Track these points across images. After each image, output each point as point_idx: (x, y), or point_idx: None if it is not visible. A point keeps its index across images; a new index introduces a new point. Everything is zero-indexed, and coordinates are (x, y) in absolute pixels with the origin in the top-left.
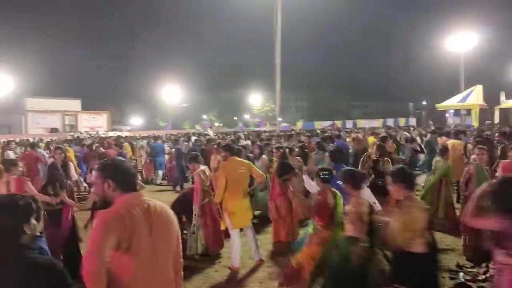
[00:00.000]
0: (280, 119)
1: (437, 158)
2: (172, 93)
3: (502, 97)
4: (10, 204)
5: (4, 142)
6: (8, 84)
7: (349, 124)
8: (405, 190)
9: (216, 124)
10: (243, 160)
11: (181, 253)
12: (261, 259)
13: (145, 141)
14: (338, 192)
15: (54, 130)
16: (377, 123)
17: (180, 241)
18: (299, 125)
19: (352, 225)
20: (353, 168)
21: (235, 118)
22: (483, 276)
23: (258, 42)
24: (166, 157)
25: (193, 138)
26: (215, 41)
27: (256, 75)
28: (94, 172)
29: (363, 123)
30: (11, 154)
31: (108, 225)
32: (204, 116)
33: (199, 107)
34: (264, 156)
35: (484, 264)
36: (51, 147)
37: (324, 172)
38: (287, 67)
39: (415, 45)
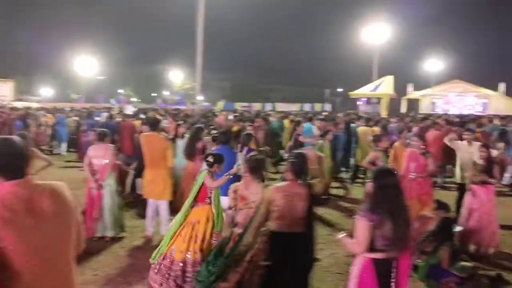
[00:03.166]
0: (201, 98)
1: None
2: (86, 64)
3: (410, 88)
4: None
5: None
6: None
7: (268, 107)
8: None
9: (134, 99)
10: (162, 136)
11: (83, 238)
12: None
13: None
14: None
15: None
16: (295, 107)
17: (81, 225)
18: (220, 105)
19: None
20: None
21: (153, 94)
22: None
23: (179, 18)
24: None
25: (105, 113)
26: (134, 13)
27: (177, 51)
28: None
29: (282, 106)
30: None
31: None
32: (121, 91)
33: (115, 80)
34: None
35: None
36: None
37: (209, 158)
38: (209, 45)
39: (334, 33)
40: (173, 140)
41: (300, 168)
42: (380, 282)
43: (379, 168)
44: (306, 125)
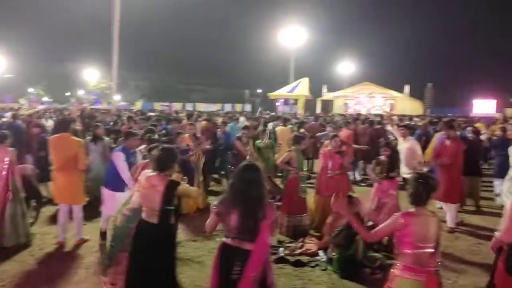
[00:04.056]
0: (118, 97)
1: None
2: None
3: (324, 90)
4: None
5: None
6: None
7: (189, 107)
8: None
9: (45, 99)
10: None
11: None
12: (81, 238)
13: None
14: None
15: None
16: (216, 107)
17: None
18: (139, 105)
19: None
20: None
21: (67, 93)
22: (299, 250)
23: (94, 14)
24: None
25: (8, 114)
26: (46, 8)
27: (92, 48)
28: None
29: (203, 107)
30: None
31: None
32: (31, 90)
33: (25, 79)
34: (107, 139)
35: (300, 239)
36: None
37: None
38: (126, 43)
39: (253, 36)
40: (94, 141)
41: (163, 162)
42: (222, 265)
43: (242, 164)
44: (230, 125)
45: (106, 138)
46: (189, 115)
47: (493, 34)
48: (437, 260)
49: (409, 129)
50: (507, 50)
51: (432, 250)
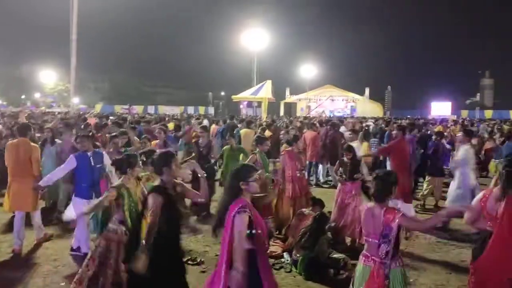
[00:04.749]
0: (76, 100)
1: None
2: None
3: (287, 92)
4: None
5: None
6: None
7: (151, 109)
8: None
9: None
10: (31, 143)
11: None
12: (45, 234)
13: None
14: None
15: None
16: (178, 110)
17: None
18: (98, 107)
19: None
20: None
21: (23, 96)
22: None
23: (52, 15)
24: None
25: None
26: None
27: (49, 49)
28: None
29: (165, 109)
30: None
31: None
32: None
33: None
34: (59, 141)
35: None
36: None
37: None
38: (84, 44)
39: (216, 38)
40: (43, 144)
41: (157, 167)
42: None
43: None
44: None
45: (59, 141)
46: (161, 119)
47: (450, 38)
48: (385, 254)
49: (357, 132)
50: (463, 53)
51: (376, 241)
